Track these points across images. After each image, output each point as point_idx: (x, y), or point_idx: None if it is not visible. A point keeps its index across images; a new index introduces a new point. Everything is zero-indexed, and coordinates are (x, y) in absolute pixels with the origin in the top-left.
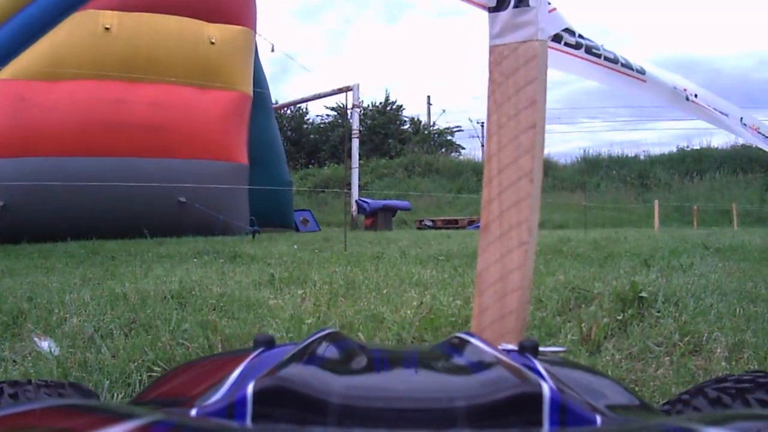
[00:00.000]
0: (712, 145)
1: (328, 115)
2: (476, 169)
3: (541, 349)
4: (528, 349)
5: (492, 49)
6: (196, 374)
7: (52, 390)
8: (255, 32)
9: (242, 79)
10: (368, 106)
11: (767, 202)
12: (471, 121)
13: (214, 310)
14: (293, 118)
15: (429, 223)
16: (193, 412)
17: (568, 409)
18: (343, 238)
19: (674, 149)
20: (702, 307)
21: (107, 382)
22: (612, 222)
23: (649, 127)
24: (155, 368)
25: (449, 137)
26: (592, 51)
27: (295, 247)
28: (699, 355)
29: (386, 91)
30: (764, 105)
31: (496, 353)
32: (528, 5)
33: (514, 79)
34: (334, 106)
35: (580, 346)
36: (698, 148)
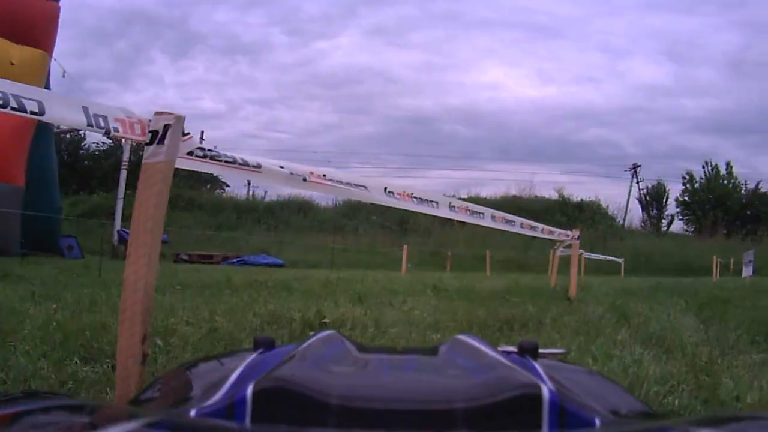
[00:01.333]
0: (481, 195)
1: (104, 143)
2: (238, 207)
3: (540, 351)
4: (527, 351)
5: (144, 165)
6: (196, 374)
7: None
8: (52, 56)
9: None
10: None
11: (533, 249)
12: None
13: None
14: (71, 142)
15: (185, 257)
16: (193, 412)
17: (567, 410)
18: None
19: None
20: (381, 331)
21: None
22: (366, 264)
23: (420, 174)
24: None
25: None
26: (214, 158)
27: (56, 270)
28: None
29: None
30: (550, 158)
31: (495, 355)
32: (163, 144)
33: (150, 181)
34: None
35: None
36: (465, 197)
